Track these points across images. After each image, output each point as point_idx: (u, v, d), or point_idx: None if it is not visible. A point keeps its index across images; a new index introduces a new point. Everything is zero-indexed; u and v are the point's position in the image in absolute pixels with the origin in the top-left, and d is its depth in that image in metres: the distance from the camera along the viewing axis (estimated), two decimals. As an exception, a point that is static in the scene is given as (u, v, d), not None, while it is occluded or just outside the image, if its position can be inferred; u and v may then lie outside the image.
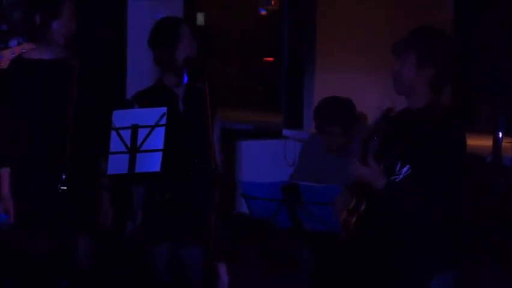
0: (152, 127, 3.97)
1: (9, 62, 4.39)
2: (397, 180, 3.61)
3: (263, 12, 9.30)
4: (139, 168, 3.96)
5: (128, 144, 3.97)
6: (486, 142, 5.09)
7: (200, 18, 8.95)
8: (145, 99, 4.38)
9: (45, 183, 4.31)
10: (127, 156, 3.96)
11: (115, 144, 3.99)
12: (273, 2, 9.09)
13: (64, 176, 4.22)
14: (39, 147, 4.36)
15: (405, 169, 3.61)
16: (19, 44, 4.00)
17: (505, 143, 4.95)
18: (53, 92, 4.33)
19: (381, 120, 3.66)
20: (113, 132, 3.99)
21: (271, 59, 8.99)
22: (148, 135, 3.97)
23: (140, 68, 5.78)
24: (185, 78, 4.30)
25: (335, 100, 4.87)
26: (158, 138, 3.96)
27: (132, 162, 3.94)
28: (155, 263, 4.42)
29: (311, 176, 4.83)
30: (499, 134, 4.81)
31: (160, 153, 3.94)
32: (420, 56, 3.64)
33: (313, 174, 4.87)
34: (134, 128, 3.97)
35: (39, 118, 4.35)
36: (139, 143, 3.97)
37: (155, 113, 3.99)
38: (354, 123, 4.85)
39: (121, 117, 4.01)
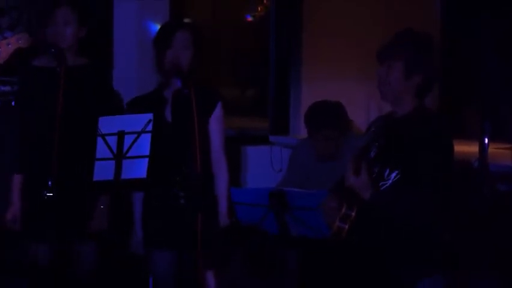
0: (139, 133, 3.96)
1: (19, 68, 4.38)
2: (386, 186, 3.61)
3: (249, 19, 9.29)
4: (125, 175, 3.95)
5: (115, 150, 3.96)
6: (472, 148, 5.10)
7: (186, 24, 8.94)
8: (138, 104, 4.38)
9: (33, 188, 4.30)
10: (113, 162, 3.95)
11: (101, 150, 3.99)
12: (259, 8, 9.08)
13: (50, 183, 4.23)
14: (28, 152, 4.35)
15: (393, 174, 3.62)
16: (14, 35, 3.97)
17: (491, 149, 4.96)
18: (40, 98, 4.32)
19: (381, 128, 3.67)
20: (99, 139, 3.99)
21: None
22: (134, 141, 3.96)
23: (126, 73, 5.78)
24: (179, 83, 4.28)
25: (326, 104, 4.85)
26: (144, 145, 3.95)
27: (118, 169, 3.94)
28: (154, 268, 4.41)
29: (301, 182, 4.82)
30: (485, 140, 4.82)
31: (147, 160, 3.94)
32: (408, 64, 3.63)
33: (303, 180, 4.86)
34: (121, 135, 3.96)
35: (28, 124, 4.35)
36: (125, 150, 3.96)
37: (142, 119, 3.99)
38: (345, 126, 4.83)
39: (107, 124, 4.01)
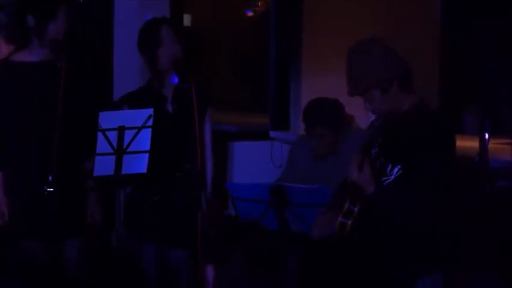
0: (139, 129, 3.96)
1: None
2: (388, 181, 3.61)
3: (250, 14, 9.31)
4: (125, 170, 3.95)
5: (115, 145, 3.96)
6: (473, 143, 5.10)
7: (187, 20, 8.95)
8: (134, 100, 4.37)
9: (32, 185, 4.30)
10: (113, 157, 3.95)
11: (101, 145, 3.98)
12: (259, 4, 9.10)
13: (50, 178, 4.22)
14: (26, 149, 4.34)
15: (396, 170, 3.61)
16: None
17: (492, 144, 4.96)
18: (40, 94, 4.32)
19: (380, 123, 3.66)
20: (100, 134, 3.98)
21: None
22: (134, 136, 3.96)
23: (126, 69, 5.78)
24: (175, 79, 4.27)
25: (323, 101, 4.85)
26: (144, 140, 3.95)
27: (118, 164, 3.94)
28: (143, 265, 4.40)
29: (299, 177, 4.81)
30: (485, 136, 4.82)
31: (147, 155, 3.93)
32: (382, 85, 3.62)
33: (302, 176, 4.85)
34: (121, 130, 3.96)
35: (27, 121, 4.34)
36: (125, 145, 3.95)
37: (142, 115, 3.98)
38: (343, 123, 4.83)
39: (108, 119, 4.00)
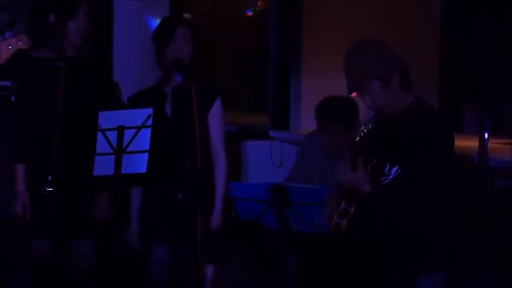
0: (139, 128, 3.96)
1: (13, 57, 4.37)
2: (387, 181, 3.61)
3: (250, 14, 9.32)
4: (125, 170, 3.95)
5: (114, 145, 3.96)
6: (472, 143, 5.11)
7: (186, 20, 8.97)
8: (140, 98, 4.38)
9: (32, 185, 4.31)
10: (113, 157, 3.95)
11: (101, 145, 3.98)
12: (259, 3, 9.11)
13: (50, 178, 4.23)
14: (28, 147, 4.36)
15: (394, 170, 3.60)
16: (14, 35, 3.95)
17: (491, 144, 4.97)
18: (41, 93, 4.33)
19: (375, 122, 3.65)
20: (99, 134, 3.98)
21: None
22: (134, 136, 3.96)
23: (126, 69, 5.78)
24: (179, 77, 4.27)
25: (334, 98, 4.85)
26: (144, 140, 3.95)
27: (118, 164, 3.93)
28: (148, 262, 4.40)
29: (307, 176, 4.80)
30: (485, 135, 4.83)
31: (146, 155, 3.93)
32: (381, 76, 3.60)
33: (310, 175, 4.84)
34: (120, 129, 3.96)
35: (27, 120, 4.35)
36: (125, 144, 3.95)
37: (141, 114, 3.98)
38: (355, 122, 4.81)
39: (107, 118, 4.01)
